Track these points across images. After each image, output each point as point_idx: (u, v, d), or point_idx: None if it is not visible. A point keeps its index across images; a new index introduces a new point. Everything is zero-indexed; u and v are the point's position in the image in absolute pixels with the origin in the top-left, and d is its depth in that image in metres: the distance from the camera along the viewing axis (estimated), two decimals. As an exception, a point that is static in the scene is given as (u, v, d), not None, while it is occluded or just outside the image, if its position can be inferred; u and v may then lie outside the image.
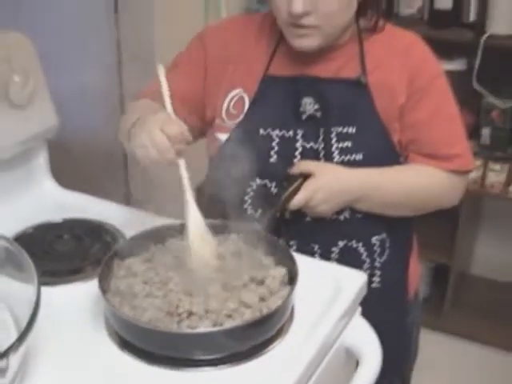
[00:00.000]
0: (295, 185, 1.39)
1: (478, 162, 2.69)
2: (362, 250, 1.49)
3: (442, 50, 2.49)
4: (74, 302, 1.26)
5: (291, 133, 1.44)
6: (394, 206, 1.48)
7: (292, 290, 1.17)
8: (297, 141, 1.44)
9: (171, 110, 1.28)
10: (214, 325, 1.11)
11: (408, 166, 1.49)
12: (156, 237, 1.31)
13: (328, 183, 1.40)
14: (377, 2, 1.47)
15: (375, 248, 1.50)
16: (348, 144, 1.43)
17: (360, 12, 1.45)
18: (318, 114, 1.43)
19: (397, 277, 1.57)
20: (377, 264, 1.51)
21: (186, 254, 1.24)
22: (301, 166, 1.42)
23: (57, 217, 1.53)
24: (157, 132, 1.21)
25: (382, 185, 1.45)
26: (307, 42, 1.40)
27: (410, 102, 1.45)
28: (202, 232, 1.26)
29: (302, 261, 1.27)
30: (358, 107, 1.44)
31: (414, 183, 1.48)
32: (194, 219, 1.26)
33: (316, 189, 1.39)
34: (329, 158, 1.43)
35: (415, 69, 1.45)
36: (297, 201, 1.39)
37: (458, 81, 2.62)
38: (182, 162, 1.25)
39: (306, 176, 1.40)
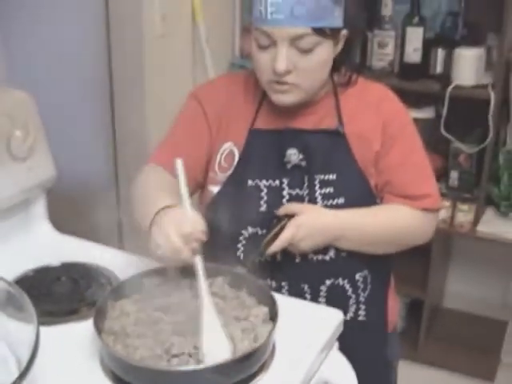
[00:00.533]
0: (278, 226, 1.42)
1: (447, 203, 2.72)
2: (347, 286, 1.51)
3: (412, 99, 2.57)
4: (71, 340, 1.27)
5: (277, 182, 1.47)
6: (373, 243, 1.51)
7: (273, 328, 1.18)
8: (283, 189, 1.47)
9: (189, 206, 1.24)
10: (201, 361, 1.13)
11: (384, 206, 1.52)
12: (147, 279, 1.32)
13: (309, 220, 1.42)
14: (349, 59, 1.52)
15: (359, 284, 1.52)
16: (330, 190, 1.47)
17: (334, 68, 1.49)
18: (303, 163, 1.46)
19: (379, 310, 1.59)
20: (361, 299, 1.53)
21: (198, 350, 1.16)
22: (285, 207, 1.45)
23: (55, 260, 1.54)
24: (171, 232, 1.18)
25: (360, 223, 1.48)
26: (287, 97, 1.43)
27: (383, 148, 1.49)
28: (217, 337, 1.16)
29: (283, 300, 1.29)
30: (337, 155, 1.48)
31: (390, 221, 1.51)
32: (209, 323, 1.18)
33: (298, 225, 1.41)
34: (313, 203, 1.47)
35: (387, 118, 1.50)
36: (283, 237, 1.41)
37: (427, 128, 2.71)
38: (197, 260, 1.21)
39: (290, 217, 1.43)
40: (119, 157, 2.40)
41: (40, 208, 1.70)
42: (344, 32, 1.43)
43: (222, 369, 1.10)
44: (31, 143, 1.60)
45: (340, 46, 1.45)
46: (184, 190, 1.24)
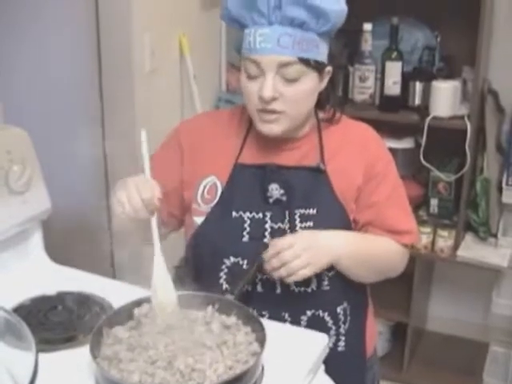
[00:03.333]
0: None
1: (428, 229, 2.77)
2: (327, 318, 1.52)
3: (393, 130, 2.63)
4: (68, 367, 1.29)
5: (260, 215, 1.48)
6: (367, 265, 1.53)
7: (261, 351, 1.21)
8: (266, 222, 1.48)
9: (148, 172, 1.36)
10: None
11: (376, 236, 1.54)
12: (139, 307, 1.35)
13: (308, 234, 1.43)
14: (334, 96, 1.55)
15: (340, 316, 1.54)
16: (310, 224, 1.48)
17: (319, 105, 1.52)
18: (284, 198, 1.48)
19: (357, 339, 1.61)
20: (342, 330, 1.55)
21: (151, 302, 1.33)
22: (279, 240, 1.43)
23: (51, 290, 1.55)
24: (133, 193, 1.32)
25: (359, 242, 1.50)
26: (275, 127, 1.45)
27: (368, 185, 1.52)
28: (165, 282, 1.34)
29: (271, 326, 1.32)
30: (318, 191, 1.49)
31: (382, 251, 1.55)
32: (158, 270, 1.34)
33: (299, 235, 1.42)
34: None
35: (373, 157, 1.53)
36: (282, 242, 1.39)
37: (407, 158, 2.76)
38: (153, 220, 1.34)
39: None
40: (111, 189, 2.42)
41: (36, 239, 1.72)
42: (329, 68, 1.46)
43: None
44: (28, 178, 1.62)
45: (324, 83, 1.48)
46: (146, 158, 1.36)
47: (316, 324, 1.49)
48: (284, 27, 1.38)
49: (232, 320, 1.33)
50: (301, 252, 1.38)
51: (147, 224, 1.35)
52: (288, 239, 1.40)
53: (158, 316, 1.31)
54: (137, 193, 1.32)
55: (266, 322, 1.30)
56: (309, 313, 1.51)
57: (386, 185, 1.54)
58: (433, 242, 2.80)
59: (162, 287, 1.34)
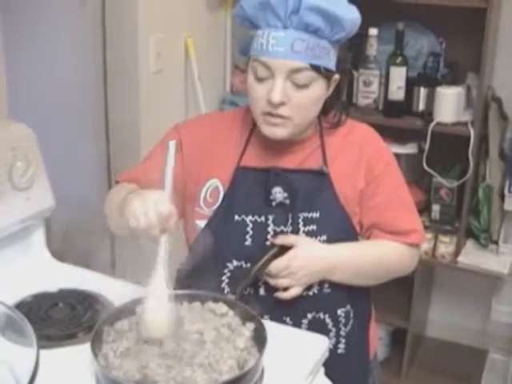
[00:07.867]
0: (270, 253, 1.43)
1: (429, 235, 2.77)
2: (328, 320, 1.52)
3: (396, 135, 2.62)
4: (68, 364, 1.29)
5: (263, 218, 1.48)
6: (364, 276, 1.54)
7: (262, 352, 1.21)
8: (268, 225, 1.48)
9: (169, 188, 1.27)
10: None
11: (374, 241, 1.55)
12: (140, 305, 1.31)
13: (304, 252, 1.44)
14: (340, 102, 1.54)
15: (340, 319, 1.53)
16: (313, 227, 1.48)
17: (323, 111, 1.51)
18: (287, 202, 1.47)
19: (359, 343, 1.60)
20: (342, 333, 1.54)
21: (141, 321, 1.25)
22: (284, 238, 1.46)
23: (52, 287, 1.55)
24: (151, 209, 1.21)
25: (354, 258, 1.51)
26: (279, 131, 1.43)
27: (369, 187, 1.51)
28: (159, 307, 1.24)
29: (272, 327, 1.31)
30: (321, 194, 1.49)
31: (381, 256, 1.54)
32: (158, 291, 1.25)
33: (295, 256, 1.43)
34: None
35: (372, 158, 1.52)
36: (277, 263, 1.42)
37: (410, 163, 2.76)
38: (163, 240, 1.25)
39: (285, 248, 1.44)
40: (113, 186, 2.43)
41: (39, 236, 1.72)
42: (336, 76, 1.45)
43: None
44: (32, 174, 1.62)
45: (331, 90, 1.47)
46: (169, 172, 1.27)
47: (316, 326, 1.49)
48: (298, 32, 1.36)
49: (232, 319, 1.32)
50: (296, 271, 1.43)
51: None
52: (284, 262, 1.43)
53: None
54: (154, 207, 1.21)
55: (266, 324, 1.29)
56: (310, 316, 1.51)
57: (386, 186, 1.53)
58: (434, 248, 2.81)
59: (154, 310, 1.23)
